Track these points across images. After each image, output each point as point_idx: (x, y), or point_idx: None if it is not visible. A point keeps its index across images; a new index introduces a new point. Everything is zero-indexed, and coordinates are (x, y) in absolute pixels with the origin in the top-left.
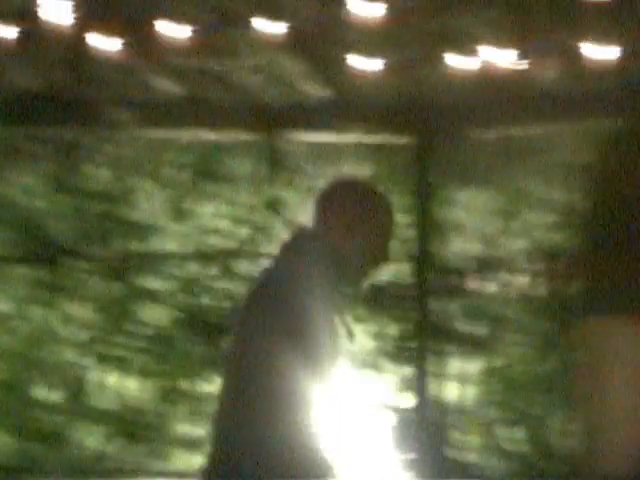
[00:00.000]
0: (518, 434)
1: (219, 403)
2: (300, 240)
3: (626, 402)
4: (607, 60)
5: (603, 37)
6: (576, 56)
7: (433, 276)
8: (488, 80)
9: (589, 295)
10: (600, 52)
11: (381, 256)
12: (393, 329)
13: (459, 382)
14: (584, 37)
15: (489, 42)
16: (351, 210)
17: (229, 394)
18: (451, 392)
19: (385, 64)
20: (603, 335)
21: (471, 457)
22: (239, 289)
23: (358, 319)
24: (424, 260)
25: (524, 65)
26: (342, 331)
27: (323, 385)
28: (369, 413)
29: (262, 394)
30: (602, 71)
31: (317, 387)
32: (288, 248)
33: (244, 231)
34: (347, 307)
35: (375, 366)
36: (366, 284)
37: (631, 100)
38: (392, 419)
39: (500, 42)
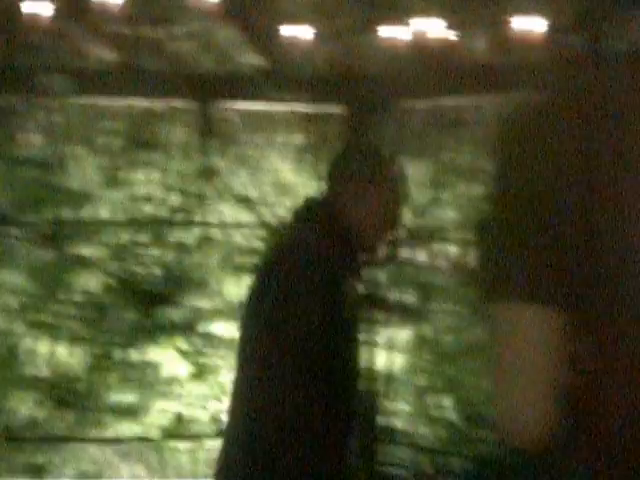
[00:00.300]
0: (447, 401)
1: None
2: (311, 209)
3: (522, 386)
4: (535, 32)
5: (531, 9)
6: (504, 28)
7: None
8: (419, 50)
9: (498, 278)
10: (528, 24)
11: (393, 222)
12: None
13: (389, 350)
14: (512, 9)
15: (420, 13)
16: (362, 176)
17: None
18: (381, 360)
19: (316, 33)
20: (509, 320)
21: (401, 424)
22: (171, 257)
23: None
24: None
25: (454, 36)
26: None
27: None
28: None
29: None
30: (530, 43)
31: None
32: (298, 218)
33: (176, 199)
34: (364, 275)
35: None
36: (381, 250)
37: (555, 73)
38: None
39: (430, 13)
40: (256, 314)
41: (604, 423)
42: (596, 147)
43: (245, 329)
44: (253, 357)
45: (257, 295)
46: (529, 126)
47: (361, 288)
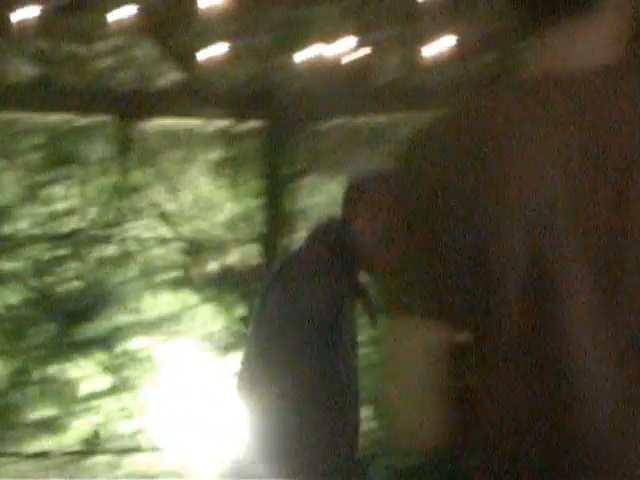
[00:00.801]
0: (365, 412)
1: None
2: (324, 227)
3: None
4: (444, 52)
5: (442, 29)
6: (415, 47)
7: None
8: (335, 69)
9: (393, 293)
10: (439, 44)
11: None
12: (241, 311)
13: None
14: (424, 29)
15: (335, 32)
16: (377, 200)
17: None
18: None
19: (234, 50)
20: (402, 333)
21: None
22: (91, 272)
23: (206, 301)
24: (272, 243)
25: (367, 55)
26: (361, 316)
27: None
28: (218, 392)
29: None
30: (441, 62)
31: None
32: (311, 236)
33: (96, 214)
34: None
35: (224, 347)
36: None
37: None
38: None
39: (344, 32)
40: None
41: (492, 429)
42: (487, 168)
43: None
44: None
45: (263, 300)
46: (424, 145)
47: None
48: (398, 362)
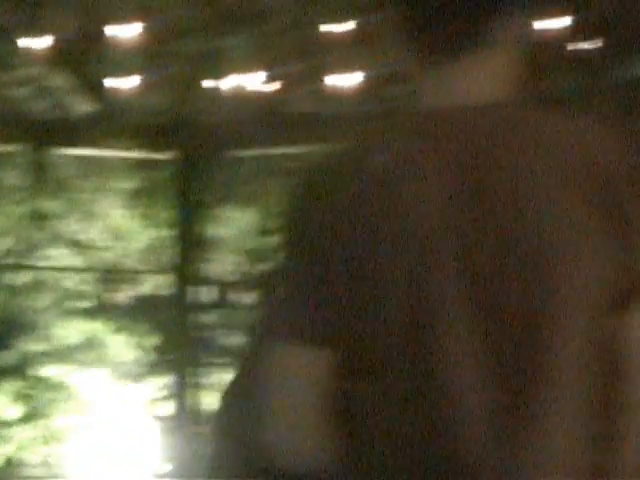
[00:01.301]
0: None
1: None
2: None
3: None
4: (355, 84)
5: (351, 63)
6: (322, 80)
7: (194, 289)
8: (248, 101)
9: (274, 321)
10: (349, 77)
11: None
12: (154, 340)
13: (219, 392)
14: (334, 62)
15: (247, 64)
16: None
17: None
18: (210, 401)
19: (148, 81)
20: (283, 360)
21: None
22: (2, 300)
23: (119, 330)
24: (185, 273)
25: (277, 87)
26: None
27: None
28: (130, 421)
29: None
30: (350, 95)
31: None
32: None
33: (8, 242)
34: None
35: (136, 376)
36: None
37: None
38: (153, 427)
39: (255, 65)
40: None
41: (371, 447)
42: (373, 201)
43: None
44: None
45: None
46: (316, 177)
47: (190, 331)
48: (281, 388)
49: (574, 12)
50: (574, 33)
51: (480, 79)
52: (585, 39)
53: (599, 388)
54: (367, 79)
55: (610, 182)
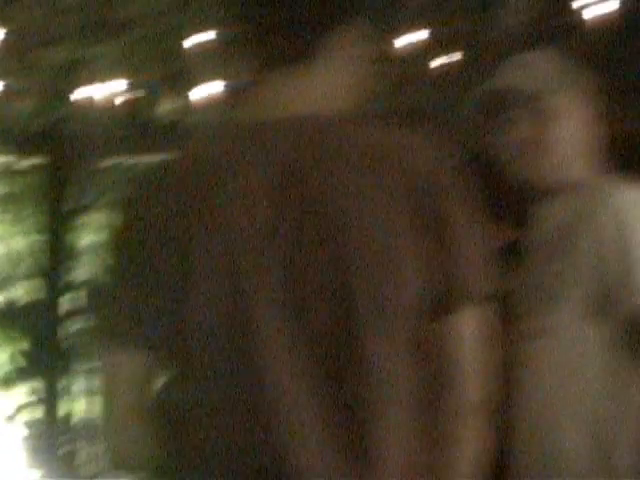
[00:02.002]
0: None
1: None
2: None
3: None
4: (214, 95)
5: (214, 73)
6: (187, 91)
7: (64, 296)
8: (115, 109)
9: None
10: (214, 86)
11: None
12: (23, 346)
13: (87, 398)
14: (195, 74)
15: (113, 73)
16: None
17: None
18: (80, 407)
19: (18, 87)
20: (110, 364)
21: (101, 468)
22: None
23: None
24: (54, 279)
25: (142, 96)
26: None
27: None
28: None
29: None
30: (212, 105)
31: None
32: None
33: None
34: None
35: (6, 381)
36: None
37: None
38: (23, 432)
39: (121, 74)
40: None
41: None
42: (190, 210)
43: None
44: None
45: None
46: (144, 189)
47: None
48: (109, 389)
49: (431, 27)
50: (432, 48)
51: (313, 91)
52: (443, 54)
53: (428, 392)
54: (226, 89)
55: (429, 193)
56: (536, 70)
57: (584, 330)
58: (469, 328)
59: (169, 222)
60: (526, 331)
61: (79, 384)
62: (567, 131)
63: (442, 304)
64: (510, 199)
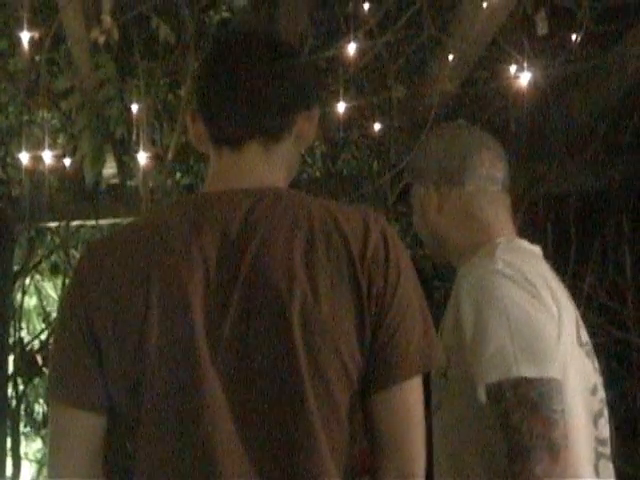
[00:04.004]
0: None
1: None
2: None
3: None
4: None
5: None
6: (131, 153)
7: (4, 357)
8: (58, 173)
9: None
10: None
11: None
12: None
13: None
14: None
15: (52, 139)
16: None
17: None
18: (29, 471)
19: None
20: (57, 419)
21: None
22: None
23: None
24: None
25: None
26: None
27: None
28: None
29: None
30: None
31: None
32: None
33: None
34: None
35: None
36: None
37: None
38: None
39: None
40: None
41: None
42: (138, 276)
43: None
44: None
45: None
46: (89, 255)
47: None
48: (56, 445)
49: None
50: (361, 116)
51: (261, 166)
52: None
53: (373, 457)
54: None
55: (369, 264)
56: (412, 157)
57: (461, 408)
58: (411, 398)
59: (123, 285)
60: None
61: (24, 447)
62: (427, 212)
63: (384, 374)
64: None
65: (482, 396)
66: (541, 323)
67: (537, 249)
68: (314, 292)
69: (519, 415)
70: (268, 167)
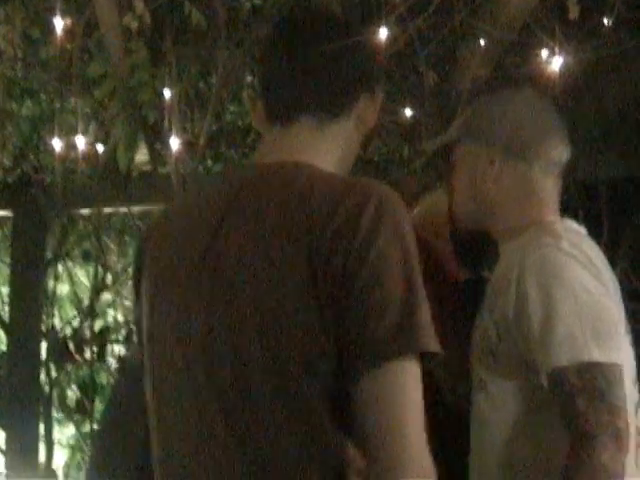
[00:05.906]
0: None
1: None
2: None
3: None
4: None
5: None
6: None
7: (34, 344)
8: (90, 160)
9: None
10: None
11: None
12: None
13: (70, 447)
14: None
15: (83, 125)
16: None
17: None
18: (62, 457)
19: None
20: None
21: None
22: None
23: None
24: (25, 328)
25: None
26: None
27: None
28: None
29: None
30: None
31: None
32: None
33: None
34: None
35: None
36: None
37: None
38: None
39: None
40: None
41: None
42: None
43: None
44: None
45: None
46: (148, 234)
47: None
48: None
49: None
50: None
51: (307, 142)
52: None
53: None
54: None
55: (330, 245)
56: (478, 118)
57: (508, 387)
58: (392, 387)
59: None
60: (472, 383)
61: (49, 432)
62: (481, 179)
63: (351, 361)
64: (470, 241)
65: (544, 379)
66: (606, 307)
67: (584, 230)
68: (268, 279)
69: (585, 401)
70: (316, 144)
